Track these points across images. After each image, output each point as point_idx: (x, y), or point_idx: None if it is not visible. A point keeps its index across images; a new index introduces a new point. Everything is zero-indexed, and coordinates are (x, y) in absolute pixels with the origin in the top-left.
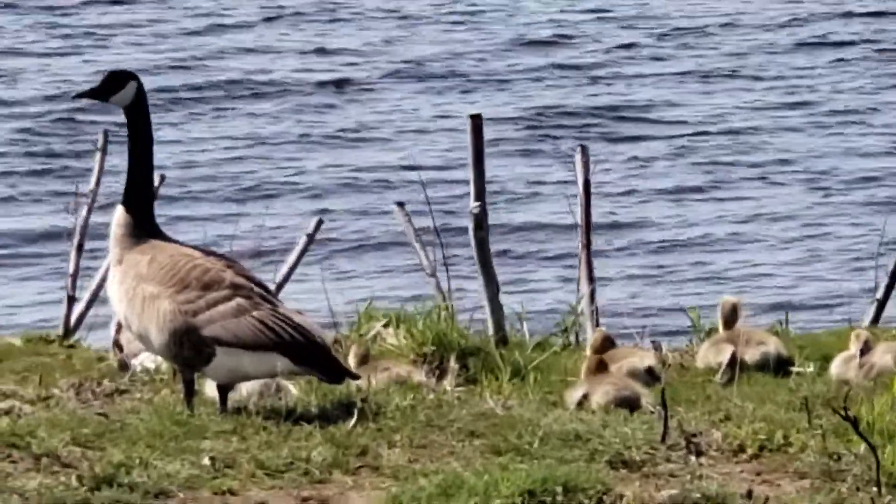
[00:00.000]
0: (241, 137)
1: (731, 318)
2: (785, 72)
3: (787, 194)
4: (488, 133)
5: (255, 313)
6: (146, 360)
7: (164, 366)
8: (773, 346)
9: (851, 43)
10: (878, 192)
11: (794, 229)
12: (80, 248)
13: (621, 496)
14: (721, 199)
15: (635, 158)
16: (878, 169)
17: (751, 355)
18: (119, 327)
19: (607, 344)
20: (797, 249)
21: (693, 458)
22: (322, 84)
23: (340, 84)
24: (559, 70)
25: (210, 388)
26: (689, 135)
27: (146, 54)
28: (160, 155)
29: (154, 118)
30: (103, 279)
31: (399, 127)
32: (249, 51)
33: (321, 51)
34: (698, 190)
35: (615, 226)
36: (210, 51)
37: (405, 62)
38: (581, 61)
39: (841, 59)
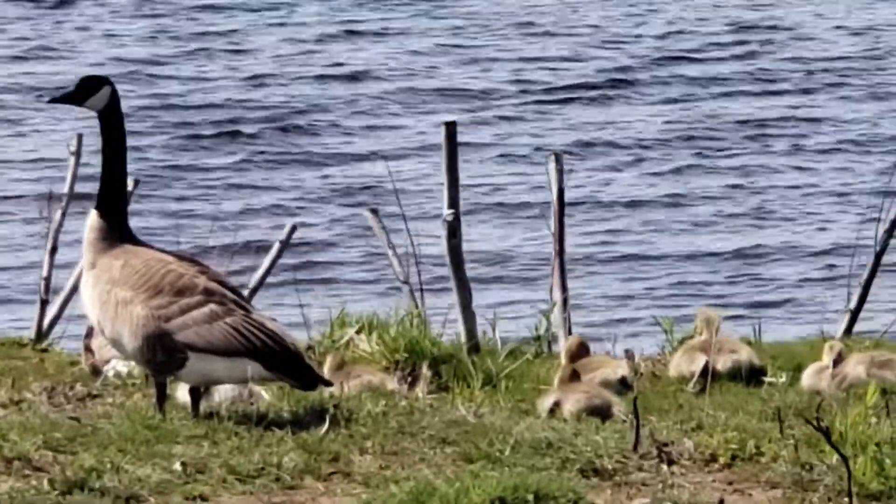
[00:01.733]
0: (217, 148)
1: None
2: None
3: (762, 203)
4: None
5: (227, 319)
6: (118, 365)
7: (137, 370)
8: (745, 354)
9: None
10: (852, 207)
11: (767, 238)
12: (53, 251)
13: None
14: (692, 207)
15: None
16: (852, 181)
17: (723, 363)
18: (90, 332)
19: (582, 349)
20: (771, 259)
21: (665, 466)
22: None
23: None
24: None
25: (182, 394)
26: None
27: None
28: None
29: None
30: (76, 283)
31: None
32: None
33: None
34: (669, 197)
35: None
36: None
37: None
38: None
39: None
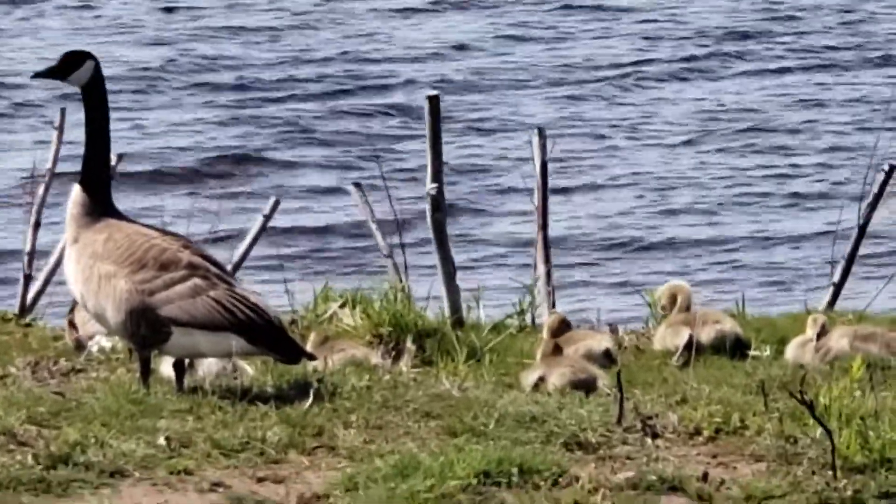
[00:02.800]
0: (198, 117)
1: (672, 304)
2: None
3: (747, 177)
4: None
5: (211, 293)
6: (102, 340)
7: (121, 345)
8: (729, 325)
9: None
10: (835, 175)
11: (751, 214)
12: (36, 226)
13: (577, 478)
14: (677, 184)
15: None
16: (837, 156)
17: (707, 335)
18: (74, 307)
19: (563, 326)
20: (755, 233)
21: (649, 440)
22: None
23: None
24: None
25: (166, 368)
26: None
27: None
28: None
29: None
30: (60, 258)
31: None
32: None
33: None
34: (651, 174)
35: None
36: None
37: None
38: None
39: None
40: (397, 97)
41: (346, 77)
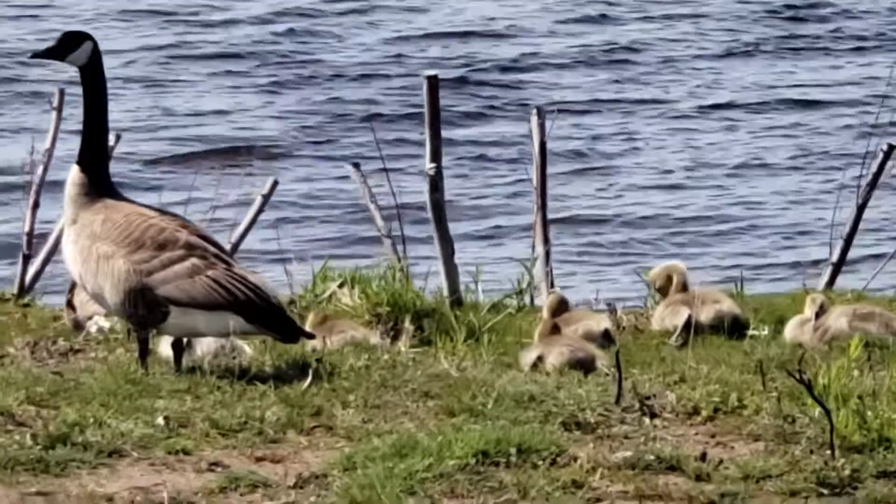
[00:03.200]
0: (197, 98)
1: (668, 284)
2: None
3: (746, 157)
4: None
5: (209, 273)
6: (100, 320)
7: (119, 325)
8: (727, 305)
9: None
10: (836, 161)
11: (750, 195)
12: (35, 206)
13: (575, 458)
14: (678, 162)
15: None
16: (839, 135)
17: (705, 314)
18: (73, 287)
19: (562, 306)
20: (752, 212)
21: (647, 420)
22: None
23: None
24: None
25: (164, 348)
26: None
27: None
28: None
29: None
30: (58, 238)
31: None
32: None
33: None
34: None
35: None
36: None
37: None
38: None
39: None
40: (401, 80)
41: (352, 61)
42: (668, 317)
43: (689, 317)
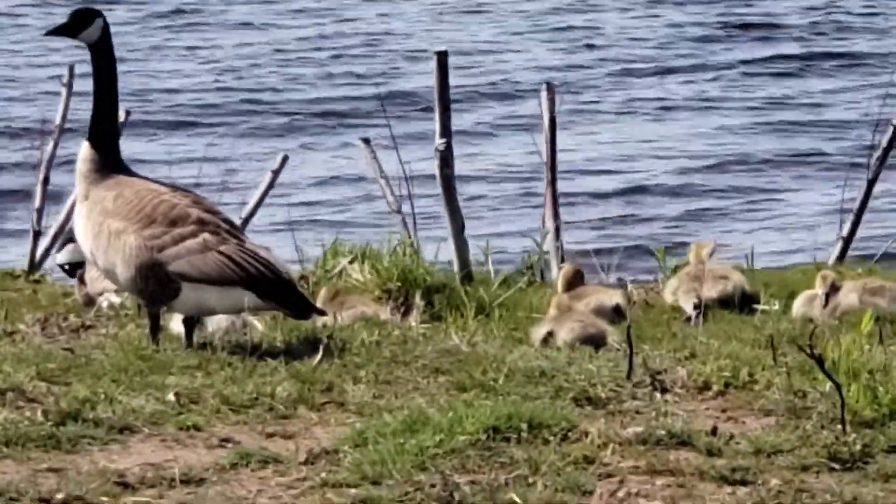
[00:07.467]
0: (207, 71)
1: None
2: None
3: (761, 132)
4: None
5: (221, 248)
6: (111, 296)
7: (130, 301)
8: (736, 279)
9: None
10: (848, 133)
11: (761, 169)
12: (45, 182)
13: (586, 433)
14: (683, 140)
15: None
16: (847, 114)
17: (714, 289)
18: (84, 263)
19: (578, 277)
20: (764, 188)
21: (658, 395)
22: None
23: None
24: None
25: (176, 324)
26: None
27: None
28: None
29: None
30: (69, 214)
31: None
32: None
33: None
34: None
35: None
36: None
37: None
38: None
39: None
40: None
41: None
42: (682, 296)
43: (699, 299)
